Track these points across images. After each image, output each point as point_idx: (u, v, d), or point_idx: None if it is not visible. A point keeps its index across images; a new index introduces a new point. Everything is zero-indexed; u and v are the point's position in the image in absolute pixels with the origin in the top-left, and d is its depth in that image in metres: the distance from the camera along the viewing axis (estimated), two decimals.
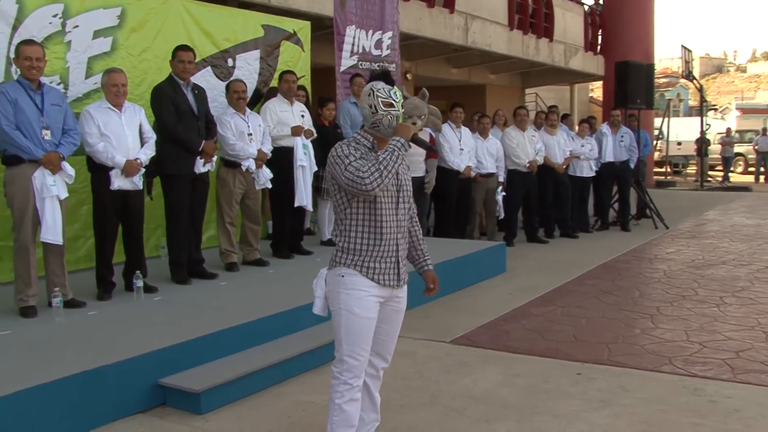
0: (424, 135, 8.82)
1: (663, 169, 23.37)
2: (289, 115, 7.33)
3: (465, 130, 9.47)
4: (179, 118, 6.00)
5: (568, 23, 16.94)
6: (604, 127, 11.25)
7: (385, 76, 3.35)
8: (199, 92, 6.25)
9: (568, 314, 6.31)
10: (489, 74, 17.53)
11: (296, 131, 7.22)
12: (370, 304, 3.25)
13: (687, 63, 19.40)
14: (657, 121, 21.32)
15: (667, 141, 22.52)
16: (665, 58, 65.83)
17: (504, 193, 9.73)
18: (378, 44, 10.19)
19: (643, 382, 4.59)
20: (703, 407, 4.16)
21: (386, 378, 4.58)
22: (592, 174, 10.91)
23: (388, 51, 10.35)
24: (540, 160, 9.85)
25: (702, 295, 6.90)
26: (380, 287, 3.26)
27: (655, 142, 18.88)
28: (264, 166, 6.84)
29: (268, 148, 6.93)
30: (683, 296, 6.88)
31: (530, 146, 9.79)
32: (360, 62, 9.91)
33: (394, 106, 3.27)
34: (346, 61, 9.78)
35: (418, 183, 8.80)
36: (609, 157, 11.05)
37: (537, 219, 10.19)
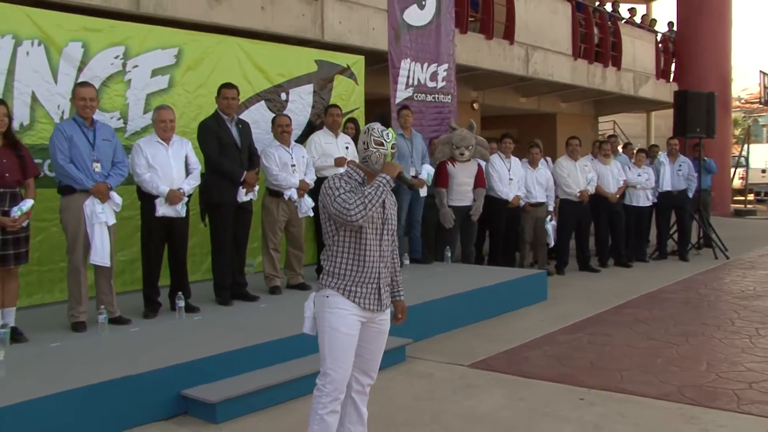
0: (473, 165, 9.12)
1: (744, 198, 22.73)
2: (333, 147, 7.74)
3: (515, 160, 9.67)
4: (223, 151, 6.46)
5: (638, 51, 16.85)
6: (662, 156, 11.22)
7: (383, 119, 3.71)
8: (243, 126, 6.71)
9: (593, 342, 6.42)
10: (560, 103, 17.55)
11: (339, 162, 7.61)
12: (351, 323, 3.55)
13: (765, 88, 18.91)
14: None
15: (747, 168, 21.91)
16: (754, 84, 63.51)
17: (553, 222, 9.84)
18: (433, 76, 10.49)
19: (642, 409, 4.71)
20: None
21: (397, 396, 4.94)
22: (649, 203, 10.88)
23: (444, 83, 10.63)
24: (591, 190, 9.92)
25: (738, 326, 6.88)
26: (361, 309, 3.56)
27: (733, 169, 18.45)
28: (306, 195, 7.23)
29: (311, 178, 7.32)
30: (718, 326, 6.87)
31: (581, 176, 9.89)
32: (415, 94, 10.22)
33: (384, 146, 3.60)
34: (401, 93, 10.11)
35: (465, 212, 9.08)
36: (667, 186, 11.01)
37: (588, 248, 10.23)
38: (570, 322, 7.15)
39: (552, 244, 9.92)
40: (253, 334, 5.43)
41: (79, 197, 5.48)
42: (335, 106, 8.04)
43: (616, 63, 15.79)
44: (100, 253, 5.53)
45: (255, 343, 5.18)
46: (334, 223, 3.55)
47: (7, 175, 5.04)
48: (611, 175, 10.31)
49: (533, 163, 9.85)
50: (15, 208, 5.03)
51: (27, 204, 5.10)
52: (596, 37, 15.13)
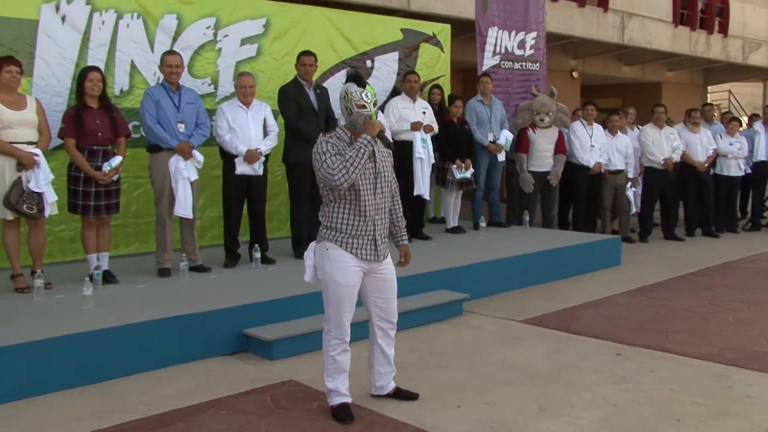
0: (553, 131, 9.26)
1: None
2: (410, 112, 8.07)
3: (597, 127, 9.70)
4: (301, 115, 6.91)
5: (749, 17, 16.16)
6: (758, 125, 10.90)
7: (357, 79, 3.92)
8: (321, 91, 7.14)
9: (651, 305, 6.53)
10: (665, 71, 17.13)
11: (415, 126, 7.94)
12: (350, 274, 3.86)
13: None
14: None
15: None
16: None
17: (634, 189, 9.83)
18: (521, 44, 10.60)
19: (675, 366, 4.86)
20: (714, 391, 4.39)
21: (442, 345, 5.31)
22: (741, 173, 10.64)
23: (532, 51, 10.72)
24: (676, 158, 9.82)
25: None
26: (359, 260, 3.87)
27: None
28: None
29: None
30: None
31: (666, 144, 9.80)
32: (502, 62, 10.39)
33: (366, 107, 3.83)
34: (488, 61, 10.29)
35: (545, 177, 9.24)
36: (761, 155, 10.71)
37: (674, 216, 10.15)
38: (635, 287, 7.25)
39: (634, 211, 9.92)
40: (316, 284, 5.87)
41: (164, 155, 6.07)
42: (413, 72, 8.35)
43: (723, 29, 15.25)
44: (183, 205, 6.12)
45: (313, 291, 5.62)
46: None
47: (99, 134, 5.68)
48: (700, 144, 10.15)
49: (613, 131, 9.84)
50: (105, 164, 5.67)
51: (116, 160, 5.73)
52: (701, 2, 14.64)
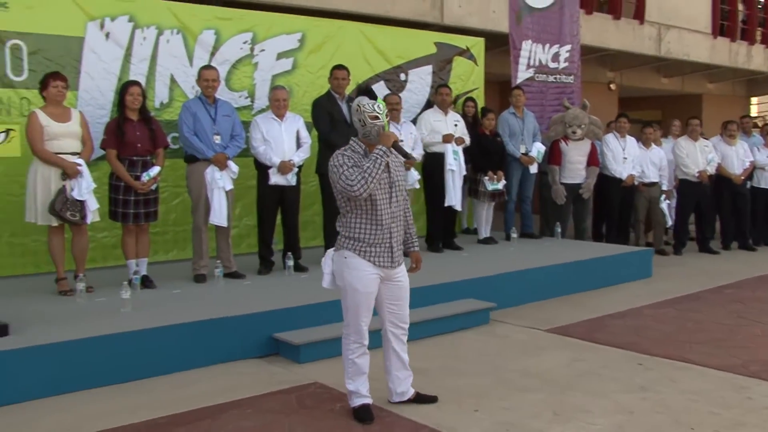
0: (586, 144, 9.33)
1: None
2: (442, 124, 8.22)
3: (630, 140, 9.73)
4: (334, 126, 7.11)
5: None
6: None
7: (368, 92, 4.11)
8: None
9: (679, 317, 6.56)
10: (706, 83, 17.00)
11: (447, 139, 8.09)
12: (368, 281, 4.03)
13: None
14: None
15: None
16: None
17: (668, 202, 9.83)
18: (555, 57, 10.69)
19: (696, 376, 4.91)
20: (733, 402, 4.44)
21: (466, 352, 5.46)
22: None
23: (566, 63, 10.79)
24: (711, 171, 9.80)
25: None
26: (376, 267, 4.04)
27: None
28: (412, 169, 7.77)
29: (419, 153, 7.86)
30: None
31: (701, 156, 9.79)
32: (536, 74, 10.50)
33: (379, 118, 4.00)
34: (522, 74, 10.40)
35: (577, 189, 9.32)
36: None
37: (710, 229, 10.12)
38: (664, 298, 7.29)
39: (669, 224, 9.92)
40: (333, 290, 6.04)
41: (201, 165, 6.32)
42: (445, 85, 8.51)
43: (766, 40, 15.12)
44: (218, 214, 6.35)
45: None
46: (344, 194, 3.99)
47: (139, 145, 5.95)
48: (736, 156, 10.11)
49: (647, 143, 9.87)
50: (144, 174, 5.93)
51: (154, 170, 5.99)
52: (741, 13, 14.55)
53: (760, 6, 15.08)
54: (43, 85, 5.76)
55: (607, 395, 4.54)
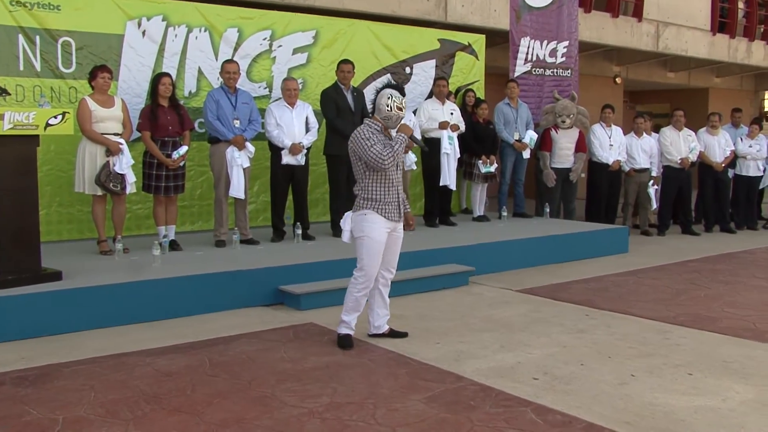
0: (574, 132, 10.23)
1: None
2: (439, 113, 9.17)
3: (615, 128, 10.62)
4: (338, 114, 8.11)
5: None
6: None
7: (400, 89, 5.11)
8: (358, 94, 8.32)
9: (637, 282, 7.46)
10: (713, 77, 17.69)
11: (443, 125, 9.04)
12: (381, 233, 5.04)
13: None
14: None
15: None
16: None
17: (656, 187, 10.69)
18: (552, 53, 11.57)
19: (628, 324, 5.84)
20: (652, 341, 5.35)
21: (443, 305, 6.44)
22: (760, 173, 11.36)
23: (563, 58, 11.67)
24: (693, 158, 10.64)
25: None
26: (388, 221, 5.04)
27: None
28: (410, 152, 8.75)
29: (418, 134, 8.84)
30: None
31: (684, 144, 10.64)
32: (533, 68, 11.40)
33: (402, 111, 5.04)
34: (520, 68, 11.31)
35: (566, 173, 10.23)
36: None
37: (690, 212, 10.97)
38: (631, 268, 8.18)
39: (654, 207, 10.79)
40: (345, 253, 7.05)
41: (222, 146, 7.36)
42: (442, 78, 9.47)
43: (766, 36, 15.79)
44: (237, 188, 7.39)
45: (340, 258, 6.80)
46: (365, 163, 5.00)
47: (170, 128, 7.01)
48: (718, 145, 10.94)
49: (638, 132, 10.73)
50: (174, 152, 6.99)
51: (183, 149, 7.04)
52: (741, 10, 15.25)
53: (760, 3, 15.73)
54: (92, 76, 6.82)
55: (550, 335, 5.50)
